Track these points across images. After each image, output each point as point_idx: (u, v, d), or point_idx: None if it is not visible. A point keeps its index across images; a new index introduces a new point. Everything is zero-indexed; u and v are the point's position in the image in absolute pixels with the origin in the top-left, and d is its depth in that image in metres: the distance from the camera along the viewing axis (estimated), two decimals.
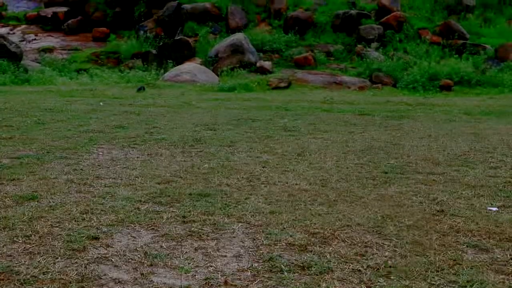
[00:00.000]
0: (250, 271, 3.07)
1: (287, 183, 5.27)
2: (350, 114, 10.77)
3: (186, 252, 3.36)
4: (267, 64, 17.69)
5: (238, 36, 18.36)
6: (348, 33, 20.32)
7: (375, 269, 3.11)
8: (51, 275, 2.95)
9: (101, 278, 2.94)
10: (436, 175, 5.68)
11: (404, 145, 7.40)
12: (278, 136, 7.96)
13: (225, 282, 2.93)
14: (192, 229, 3.80)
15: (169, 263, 3.16)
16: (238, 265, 3.17)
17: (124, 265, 3.13)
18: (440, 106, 12.31)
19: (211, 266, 3.14)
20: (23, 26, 23.73)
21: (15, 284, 2.84)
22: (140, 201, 4.49)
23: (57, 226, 3.80)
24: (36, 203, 4.36)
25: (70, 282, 2.86)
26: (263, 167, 5.93)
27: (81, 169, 5.68)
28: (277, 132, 8.31)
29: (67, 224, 3.84)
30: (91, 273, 3.00)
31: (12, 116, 9.33)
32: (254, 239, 3.62)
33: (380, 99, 13.87)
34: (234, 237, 3.67)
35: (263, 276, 3.00)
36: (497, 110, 11.54)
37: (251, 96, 13.72)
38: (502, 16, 22.12)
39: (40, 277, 2.93)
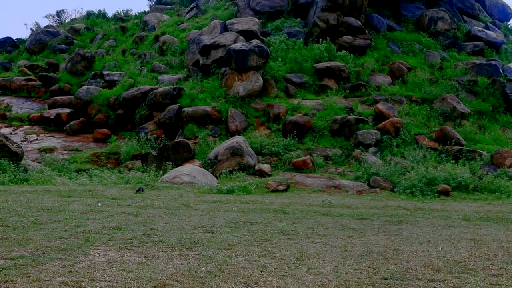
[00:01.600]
0: None
1: None
2: (349, 218, 10.73)
3: None
4: (266, 167, 17.82)
5: (238, 139, 18.62)
6: (346, 137, 20.65)
7: None
8: None
9: None
10: (436, 282, 5.60)
11: (403, 250, 7.33)
12: (277, 240, 7.90)
13: None
14: None
15: None
16: None
17: None
18: (438, 211, 12.28)
19: None
20: (25, 127, 24.13)
21: None
22: None
23: None
24: None
25: None
26: (261, 272, 5.85)
27: (76, 271, 5.60)
28: (276, 236, 8.25)
29: None
30: None
31: (9, 216, 9.28)
32: None
33: (378, 203, 13.85)
34: None
35: None
36: (495, 217, 11.50)
37: (250, 199, 13.72)
38: (496, 124, 22.61)
39: None
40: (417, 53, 28.84)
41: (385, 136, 20.26)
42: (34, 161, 19.28)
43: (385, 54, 28.13)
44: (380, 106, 21.86)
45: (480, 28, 32.96)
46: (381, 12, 32.84)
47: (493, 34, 32.35)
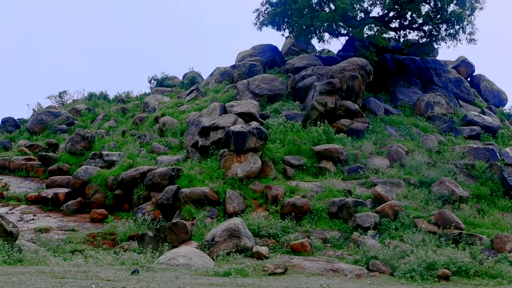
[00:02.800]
0: None
1: None
2: None
3: None
4: (263, 249, 17.61)
5: (235, 221, 18.49)
6: (344, 220, 20.55)
7: None
8: None
9: None
10: None
11: None
12: None
13: None
14: None
15: None
16: None
17: None
18: None
19: None
20: (22, 206, 24.02)
21: None
22: None
23: None
24: None
25: None
26: None
27: None
28: None
29: None
30: None
31: None
32: None
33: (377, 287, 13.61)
34: None
35: None
36: None
37: (247, 282, 13.47)
38: (495, 208, 22.56)
39: None
40: (415, 136, 29.20)
41: (383, 219, 20.15)
42: (29, 241, 19.07)
43: (382, 137, 28.48)
44: (379, 189, 21.86)
45: (476, 113, 33.58)
46: (378, 96, 33.56)
47: (489, 119, 32.89)
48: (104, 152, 27.42)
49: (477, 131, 30.82)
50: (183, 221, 19.53)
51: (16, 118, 39.41)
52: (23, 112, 74.66)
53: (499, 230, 19.85)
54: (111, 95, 43.95)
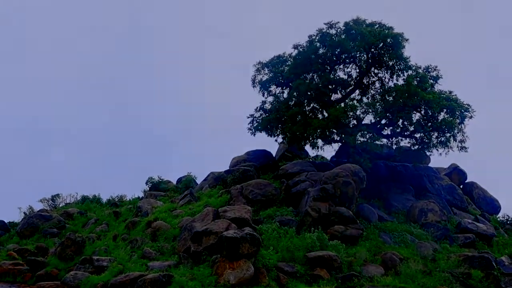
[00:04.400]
0: None
1: None
2: None
3: None
4: None
5: None
6: None
7: None
8: None
9: None
10: None
11: None
12: None
13: None
14: None
15: None
16: None
17: None
18: None
19: None
20: None
21: None
22: None
23: None
24: None
25: None
26: None
27: None
28: None
29: None
30: None
31: None
32: None
33: None
34: None
35: None
36: None
37: None
38: None
39: None
40: (409, 244, 28.93)
41: None
42: None
43: (377, 244, 28.19)
44: None
45: (470, 221, 33.44)
46: (372, 202, 33.56)
47: (484, 227, 32.72)
48: (94, 257, 26.94)
49: (471, 239, 30.59)
50: None
51: (6, 221, 39.04)
52: (14, 215, 73.99)
53: None
54: (104, 199, 43.87)
